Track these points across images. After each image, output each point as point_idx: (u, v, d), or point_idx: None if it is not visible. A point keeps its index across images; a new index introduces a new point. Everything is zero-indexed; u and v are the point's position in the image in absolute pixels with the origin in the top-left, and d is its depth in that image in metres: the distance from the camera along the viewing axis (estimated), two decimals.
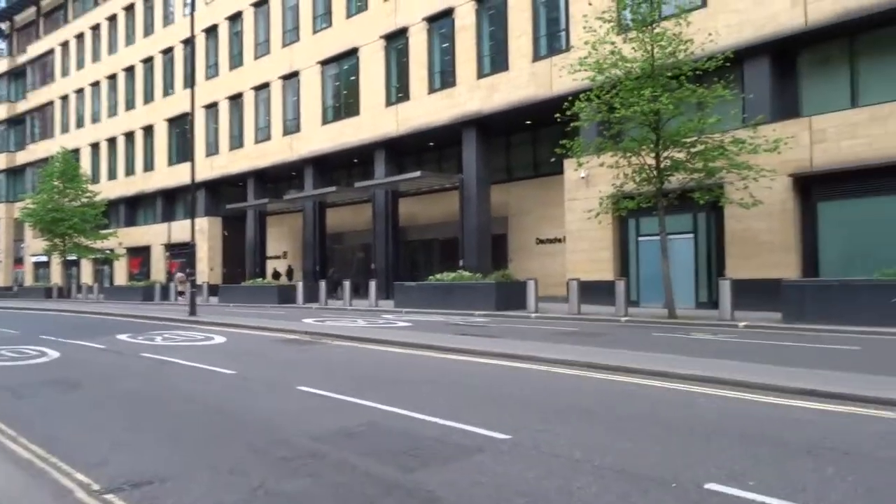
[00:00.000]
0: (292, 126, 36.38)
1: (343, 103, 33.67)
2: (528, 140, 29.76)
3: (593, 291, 21.04)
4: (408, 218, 32.21)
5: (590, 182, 22.91)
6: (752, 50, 19.48)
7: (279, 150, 36.74)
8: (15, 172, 61.72)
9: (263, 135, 38.29)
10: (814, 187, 18.42)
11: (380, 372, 10.19)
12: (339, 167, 36.77)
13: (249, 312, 23.72)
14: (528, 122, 28.27)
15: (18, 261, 61.85)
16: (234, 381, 9.40)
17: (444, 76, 29.14)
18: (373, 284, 25.03)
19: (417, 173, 27.50)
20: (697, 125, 16.67)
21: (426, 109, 29.23)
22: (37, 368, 11.24)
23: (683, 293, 19.54)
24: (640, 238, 22.04)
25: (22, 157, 60.17)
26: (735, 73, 18.98)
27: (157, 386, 9.30)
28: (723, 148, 16.76)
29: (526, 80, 25.80)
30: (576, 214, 23.46)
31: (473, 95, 27.55)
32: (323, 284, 27.24)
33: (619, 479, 4.81)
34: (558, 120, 19.87)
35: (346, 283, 26.00)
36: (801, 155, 18.16)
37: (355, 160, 35.25)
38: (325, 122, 34.28)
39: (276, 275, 36.51)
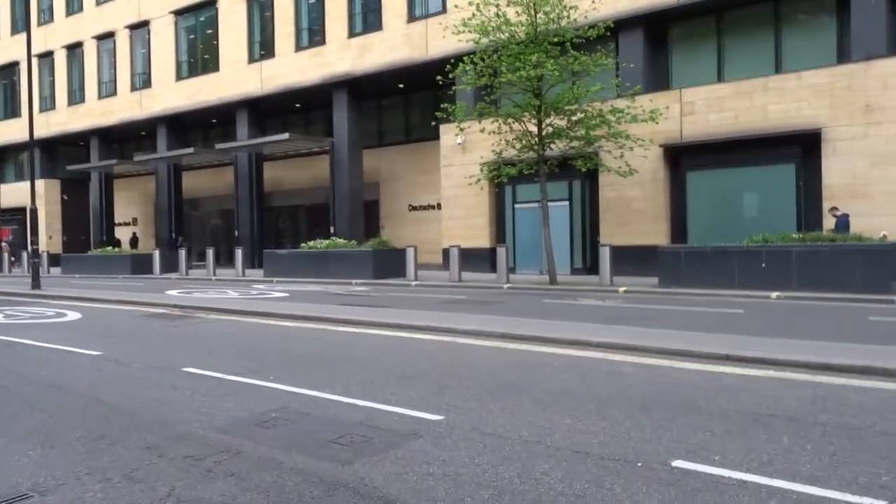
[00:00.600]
0: (142, 81, 33.49)
1: (200, 58, 31.34)
2: (401, 104, 29.08)
3: (469, 259, 20.92)
4: (273, 183, 30.66)
5: (467, 148, 22.70)
6: (628, 21, 19.84)
7: (127, 107, 33.74)
8: None
9: (109, 89, 35.00)
10: (683, 157, 19.16)
11: (272, 348, 9.35)
12: (196, 127, 34.39)
13: (101, 284, 21.65)
14: (402, 86, 27.58)
15: None
16: (106, 365, 8.24)
17: (312, 33, 27.74)
18: (239, 252, 23.58)
19: (285, 135, 26.09)
20: (579, 93, 16.74)
21: (293, 68, 27.74)
22: None
23: (560, 259, 19.81)
24: (517, 205, 22.14)
25: None
26: (612, 43, 19.29)
27: (11, 374, 7.96)
28: (602, 116, 16.97)
29: (401, 42, 25.02)
30: (452, 181, 23.20)
31: (344, 55, 26.42)
32: (183, 253, 25.37)
33: (581, 461, 4.44)
34: (440, 83, 19.39)
35: (210, 252, 24.36)
36: (672, 126, 18.79)
37: (214, 120, 33.07)
38: (179, 77, 31.79)
39: (135, 242, 33.71)
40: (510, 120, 17.86)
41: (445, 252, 23.20)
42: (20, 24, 39.16)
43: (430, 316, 11.11)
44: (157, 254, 26.54)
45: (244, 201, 29.44)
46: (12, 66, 39.42)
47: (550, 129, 17.55)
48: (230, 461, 4.61)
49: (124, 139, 37.15)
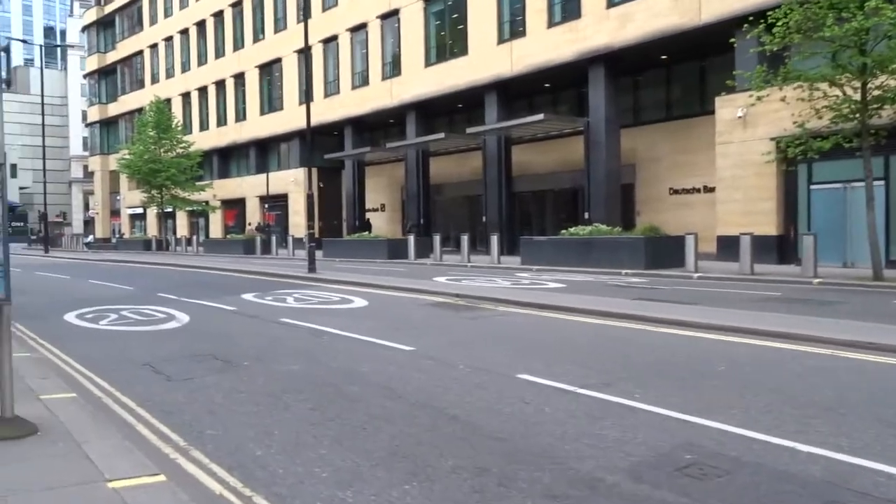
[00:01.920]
0: (392, 69, 34.19)
1: (449, 42, 31.20)
2: (662, 78, 26.67)
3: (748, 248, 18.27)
4: (519, 167, 29.73)
5: (748, 122, 19.98)
6: None
7: (378, 96, 34.68)
8: (108, 124, 61.92)
9: (361, 80, 36.27)
10: None
11: (600, 350, 8.06)
12: (442, 113, 34.45)
13: (364, 268, 22.02)
14: (664, 58, 25.20)
15: (115, 213, 62.60)
16: (426, 364, 7.41)
17: (566, 7, 26.26)
18: (494, 239, 22.83)
19: (539, 116, 24.94)
20: None
21: (545, 45, 26.47)
22: (171, 336, 9.60)
23: (865, 250, 16.56)
24: (813, 186, 19.08)
25: (114, 109, 60.09)
26: None
27: (327, 367, 7.40)
28: None
29: (668, 7, 22.73)
30: (729, 160, 20.62)
31: (602, 27, 24.64)
32: (437, 239, 25.25)
33: None
34: (733, 44, 17.04)
35: (465, 239, 23.92)
36: None
37: (460, 105, 32.85)
38: (428, 63, 31.93)
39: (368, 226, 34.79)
40: (822, 84, 15.02)
41: (721, 240, 20.78)
42: (281, 23, 42.04)
43: (778, 319, 9.17)
44: (411, 239, 26.74)
45: (492, 186, 28.86)
46: (275, 63, 42.41)
47: (878, 93, 14.50)
48: None
49: (374, 127, 38.42)
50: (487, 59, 28.67)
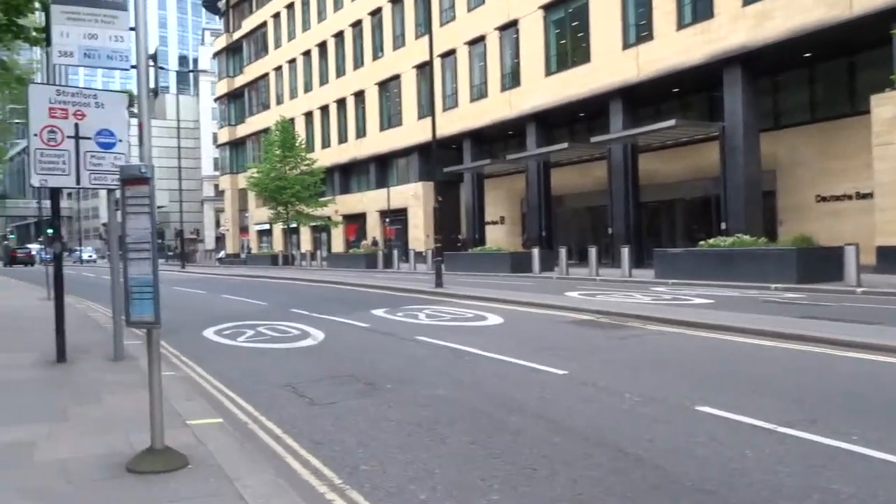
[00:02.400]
0: (511, 81, 33.70)
1: (570, 50, 30.37)
2: (804, 77, 24.75)
3: None
4: (644, 176, 28.39)
5: None
6: None
7: (497, 108, 34.27)
8: (236, 145, 64.94)
9: (479, 92, 36.01)
10: None
11: (781, 378, 7.07)
12: (562, 123, 33.59)
13: (489, 283, 21.54)
14: (807, 55, 23.33)
15: (243, 230, 65.43)
16: (585, 391, 6.71)
17: (697, 7, 24.91)
18: (625, 252, 21.73)
19: (671, 122, 23.65)
20: None
21: (674, 48, 25.18)
22: (308, 354, 9.37)
23: None
24: None
25: (242, 130, 62.93)
26: None
27: (476, 393, 6.84)
28: None
29: (812, 1, 21.01)
30: (890, 163, 18.68)
31: (738, 26, 23.13)
32: (563, 252, 24.39)
33: None
34: (893, 35, 15.36)
35: (592, 251, 22.94)
36: None
37: (581, 114, 31.90)
38: (548, 73, 31.21)
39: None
40: None
41: (882, 251, 18.84)
42: (399, 40, 42.52)
43: None
44: (535, 252, 26.00)
45: (618, 196, 27.71)
46: (393, 80, 42.92)
47: None
48: None
49: (493, 140, 38.00)
50: (611, 65, 27.65)
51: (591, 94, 28.70)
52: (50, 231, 47.52)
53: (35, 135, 8.05)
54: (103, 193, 73.82)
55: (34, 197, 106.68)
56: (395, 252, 35.32)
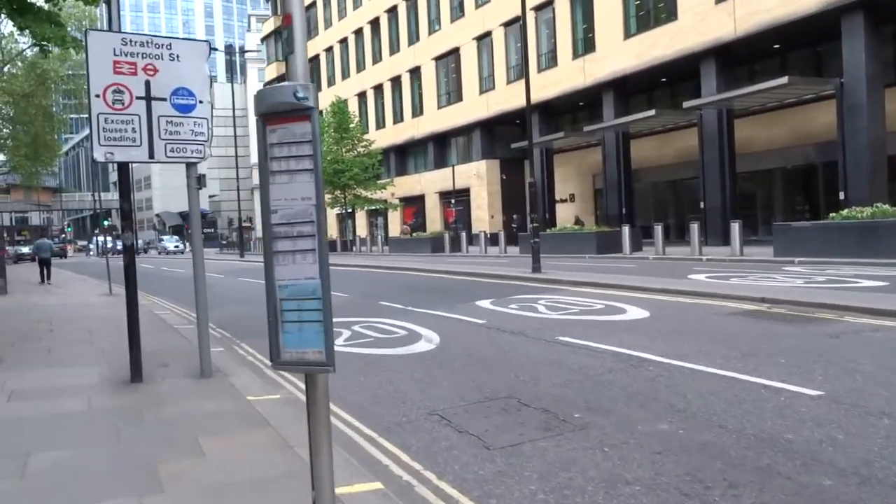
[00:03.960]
0: (584, 46, 31.27)
1: (652, 9, 27.81)
2: None
3: None
4: (740, 144, 25.79)
5: None
6: None
7: (568, 77, 31.89)
8: None
9: (547, 61, 33.65)
10: None
11: None
12: (641, 90, 31.04)
13: (584, 266, 19.44)
14: None
15: None
16: (882, 425, 4.66)
17: None
18: (735, 228, 19.30)
19: (783, 80, 21.05)
20: None
21: None
22: (431, 363, 7.52)
23: None
24: None
25: None
26: None
27: (715, 427, 4.84)
28: None
29: None
30: None
31: None
32: (659, 229, 22.13)
33: None
34: None
35: (694, 228, 20.60)
36: None
37: (664, 79, 29.34)
38: (627, 35, 28.70)
39: (579, 221, 31.78)
40: None
41: None
42: (457, 11, 40.28)
43: None
44: (626, 231, 23.73)
45: (712, 167, 25.22)
46: (452, 54, 40.78)
47: None
48: None
49: (561, 112, 35.63)
50: (703, 22, 25.06)
51: (678, 55, 26.17)
52: (105, 223, 46.64)
53: (97, 95, 6.29)
54: (157, 183, 73.99)
55: (89, 190, 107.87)
56: (463, 235, 33.26)
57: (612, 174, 30.02)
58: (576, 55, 31.64)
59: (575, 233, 25.92)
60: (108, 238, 37.71)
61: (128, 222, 6.90)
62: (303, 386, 6.91)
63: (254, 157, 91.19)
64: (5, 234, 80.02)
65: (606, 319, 9.69)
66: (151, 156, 6.59)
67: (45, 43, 9.72)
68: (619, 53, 28.86)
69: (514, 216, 36.85)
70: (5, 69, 39.74)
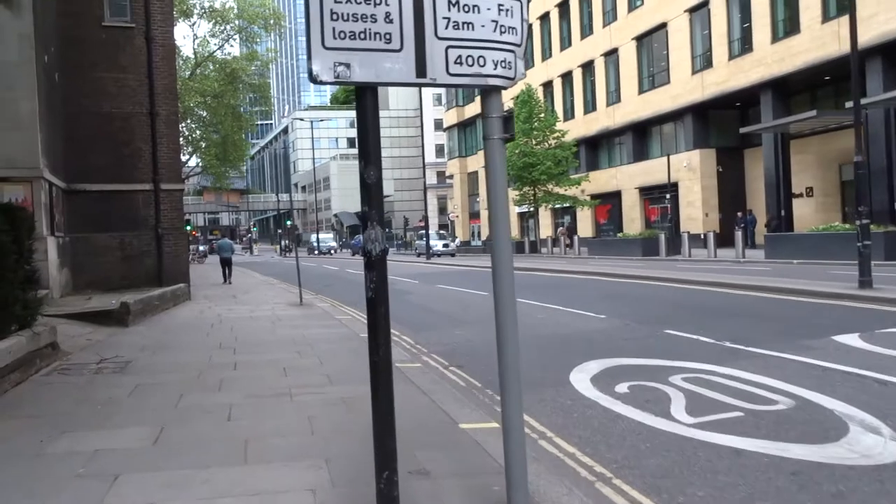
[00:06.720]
0: (837, 7, 25.64)
1: None
2: None
3: None
4: None
5: None
6: None
7: (816, 45, 26.37)
8: (465, 126, 61.29)
9: (785, 28, 28.23)
10: None
11: None
12: None
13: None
14: None
15: (473, 216, 61.88)
16: None
17: None
18: None
19: None
20: None
21: None
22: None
23: None
24: None
25: (471, 110, 58.90)
26: None
27: None
28: None
29: None
30: None
31: None
32: None
33: None
34: None
35: None
36: None
37: None
38: None
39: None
40: None
41: None
42: None
43: None
44: None
45: None
46: (657, 31, 36.10)
47: None
48: None
49: (797, 91, 29.93)
50: None
51: None
52: (288, 223, 46.52)
53: None
54: (335, 184, 74.37)
55: (272, 191, 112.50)
56: (685, 236, 28.45)
57: (878, 161, 24.21)
58: (826, 18, 26.03)
59: (843, 233, 20.48)
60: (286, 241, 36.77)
61: (377, 209, 3.48)
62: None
63: (427, 157, 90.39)
64: (199, 234, 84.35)
65: None
66: (421, 72, 3.21)
67: None
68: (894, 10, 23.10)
69: (738, 214, 31.36)
70: (197, 71, 40.11)
